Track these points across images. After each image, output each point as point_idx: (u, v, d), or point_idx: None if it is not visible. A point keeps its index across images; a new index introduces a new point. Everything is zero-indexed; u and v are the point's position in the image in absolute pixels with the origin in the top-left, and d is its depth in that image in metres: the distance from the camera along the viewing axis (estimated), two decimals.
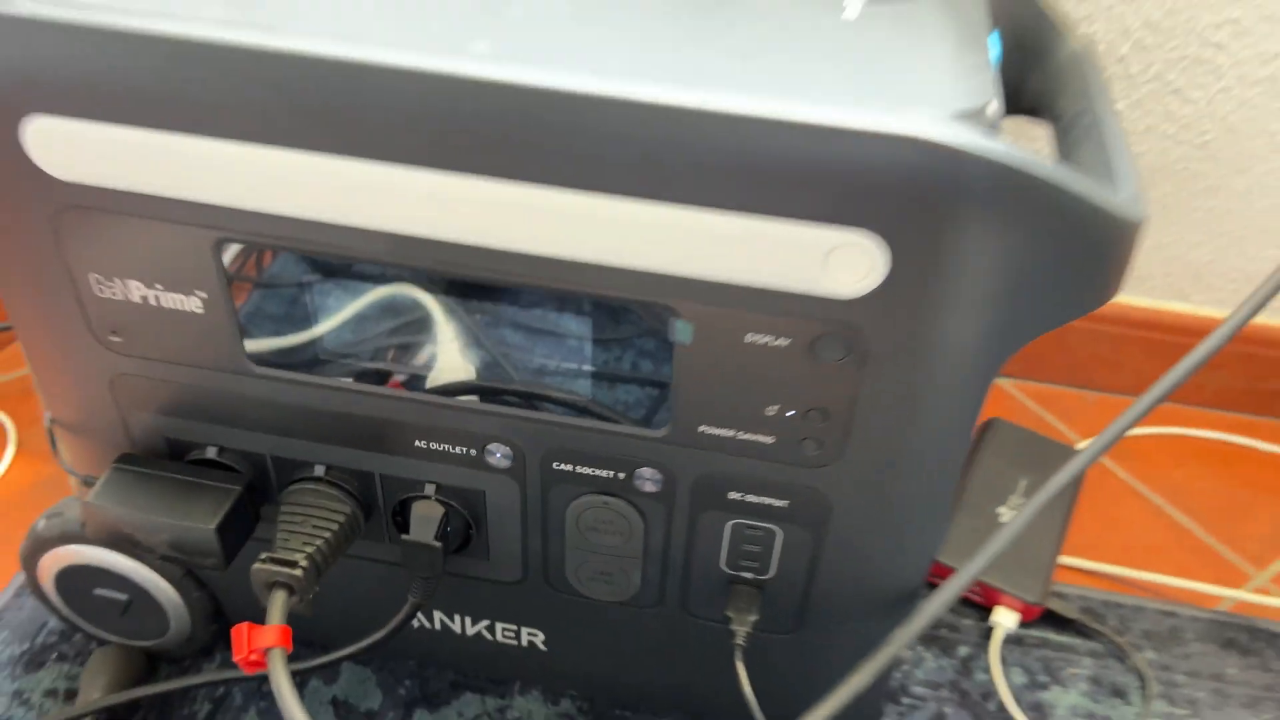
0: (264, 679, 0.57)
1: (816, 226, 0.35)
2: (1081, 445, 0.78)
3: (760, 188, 0.35)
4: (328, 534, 0.46)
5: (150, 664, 0.60)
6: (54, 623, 0.62)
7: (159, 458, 0.49)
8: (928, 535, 0.46)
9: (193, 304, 0.43)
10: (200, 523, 0.46)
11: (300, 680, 0.59)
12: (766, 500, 0.44)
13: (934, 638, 0.64)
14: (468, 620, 0.55)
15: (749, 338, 0.39)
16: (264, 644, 0.43)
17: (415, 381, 0.45)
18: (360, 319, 0.44)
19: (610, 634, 0.53)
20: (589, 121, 0.34)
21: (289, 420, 0.46)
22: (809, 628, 0.49)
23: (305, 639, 0.58)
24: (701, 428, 0.42)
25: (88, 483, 0.51)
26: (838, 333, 0.38)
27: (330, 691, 0.59)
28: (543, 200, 0.36)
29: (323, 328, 0.44)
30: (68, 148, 0.39)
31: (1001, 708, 0.61)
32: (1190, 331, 0.76)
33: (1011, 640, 0.64)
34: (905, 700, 0.61)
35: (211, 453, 0.48)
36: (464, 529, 0.48)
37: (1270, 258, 0.73)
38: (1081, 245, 0.36)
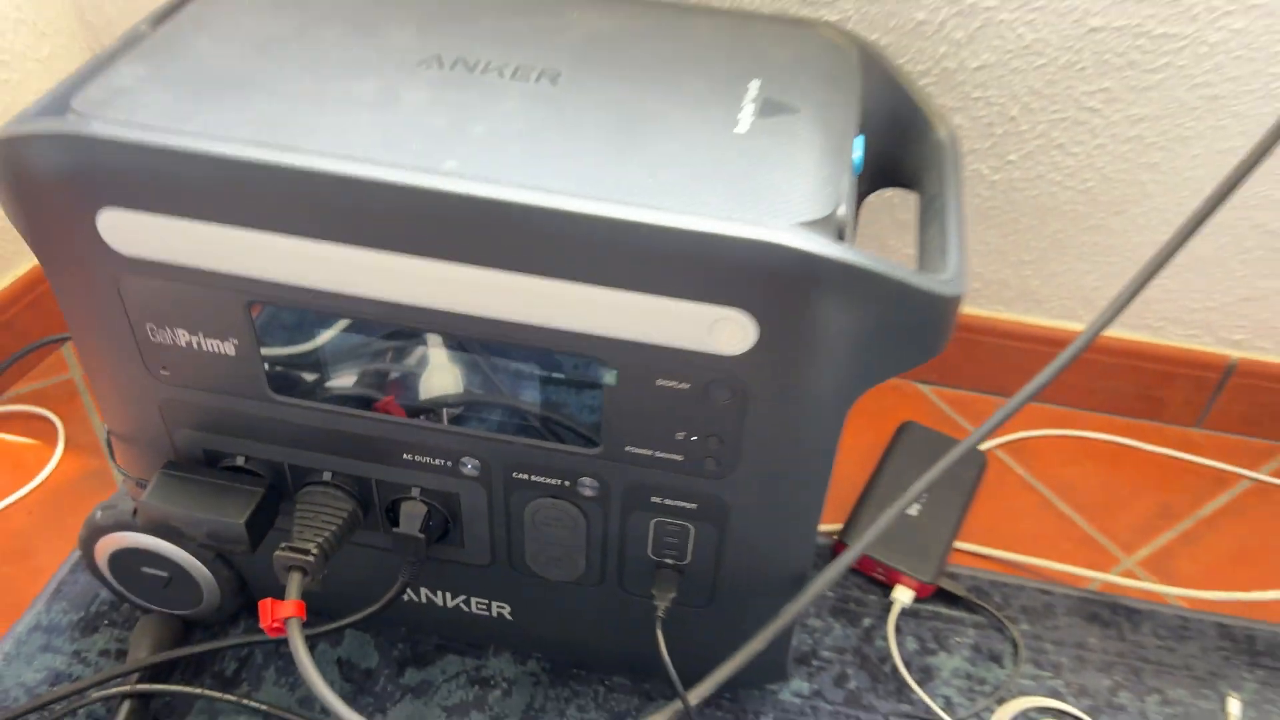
0: (282, 642, 0.69)
1: (703, 305, 0.47)
2: (985, 446, 0.89)
3: (660, 275, 0.46)
4: (334, 527, 0.58)
5: (186, 629, 0.71)
6: (105, 595, 0.74)
7: (197, 464, 0.60)
8: (806, 529, 0.57)
9: (227, 348, 0.54)
10: (232, 518, 0.57)
11: (311, 643, 0.71)
12: (680, 503, 0.56)
13: (843, 610, 0.76)
14: (448, 595, 0.67)
15: (659, 382, 0.50)
16: (284, 615, 0.54)
17: (406, 404, 0.56)
18: (359, 359, 0.55)
19: (564, 607, 0.65)
20: (532, 225, 0.46)
21: (302, 436, 0.58)
22: (719, 602, 0.61)
23: (315, 609, 0.70)
24: (627, 447, 0.54)
25: (140, 484, 0.63)
26: (724, 380, 0.49)
27: (336, 653, 0.71)
28: (498, 280, 0.48)
29: (330, 365, 0.56)
30: (131, 232, 0.50)
31: (895, 670, 0.73)
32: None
33: (908, 614, 0.76)
34: (815, 662, 0.73)
35: (240, 461, 0.60)
36: (443, 523, 0.60)
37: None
38: (905, 317, 0.47)
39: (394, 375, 0.56)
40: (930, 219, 0.55)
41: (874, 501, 0.81)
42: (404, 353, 0.55)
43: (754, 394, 0.50)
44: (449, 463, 0.57)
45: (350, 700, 0.69)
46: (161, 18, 0.60)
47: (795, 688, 0.71)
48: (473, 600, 0.67)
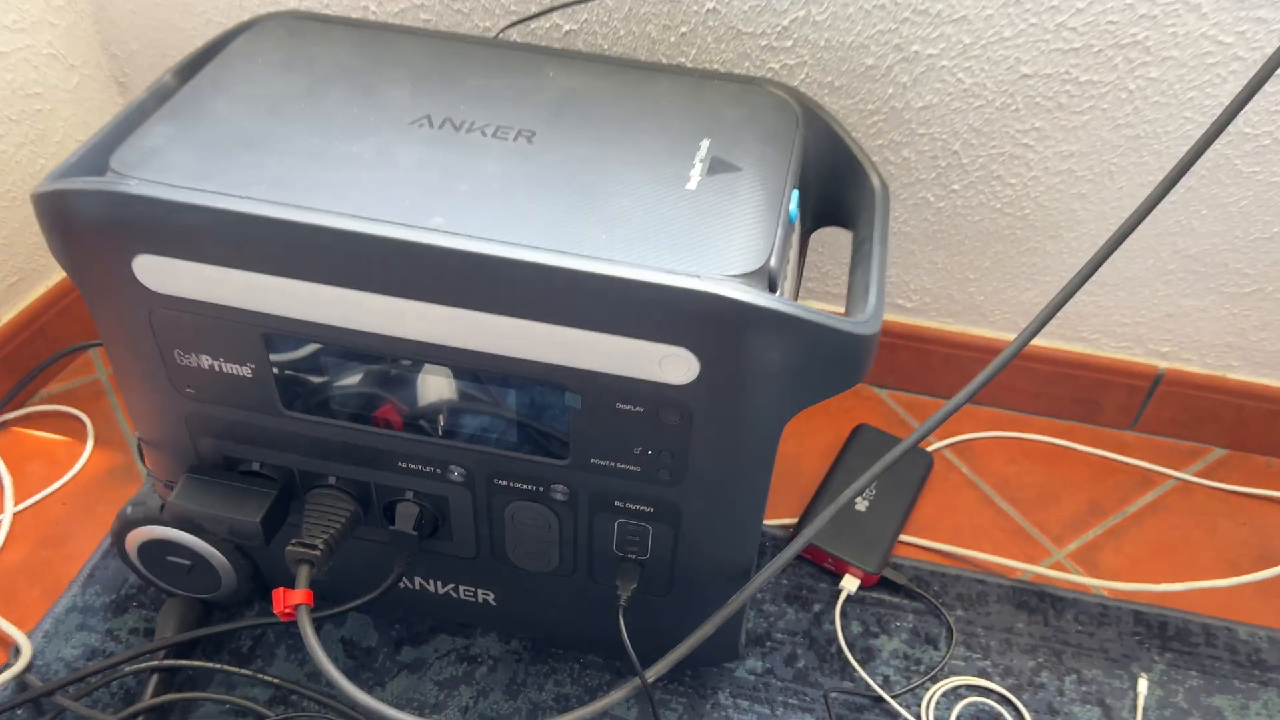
0: (292, 625, 0.78)
1: (652, 344, 0.55)
2: (933, 447, 0.97)
3: (616, 318, 0.54)
4: (338, 525, 0.66)
5: (206, 611, 0.80)
6: (133, 579, 0.82)
7: (218, 468, 0.69)
8: (750, 528, 0.65)
9: (245, 371, 0.62)
10: (249, 516, 0.66)
11: (318, 625, 0.80)
12: (639, 507, 0.64)
13: (796, 597, 0.85)
14: (438, 583, 0.75)
15: (618, 405, 0.59)
16: (294, 602, 0.63)
17: (401, 419, 0.64)
18: (359, 381, 0.63)
19: (541, 594, 0.74)
20: (507, 274, 0.54)
21: (310, 446, 0.66)
22: (676, 592, 0.69)
23: (321, 595, 0.78)
24: (592, 459, 0.62)
25: (167, 485, 0.71)
26: (673, 405, 0.58)
27: (339, 633, 0.80)
28: (477, 320, 0.56)
29: (333, 386, 0.64)
30: (162, 273, 0.58)
31: (840, 651, 0.81)
32: (1019, 355, 0.96)
33: (854, 600, 0.85)
34: (769, 643, 0.81)
35: (255, 466, 0.68)
36: (434, 522, 0.68)
37: (1076, 300, 0.92)
38: (826, 354, 0.55)
39: (389, 395, 0.64)
40: (858, 262, 0.62)
41: (827, 497, 0.89)
42: (398, 376, 0.62)
43: (698, 416, 0.58)
44: (438, 470, 0.65)
45: (352, 675, 0.77)
46: (183, 71, 0.68)
47: (750, 665, 0.80)
48: (461, 588, 0.75)
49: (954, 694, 0.79)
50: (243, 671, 0.76)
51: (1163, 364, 0.96)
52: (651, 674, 0.64)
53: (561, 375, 0.57)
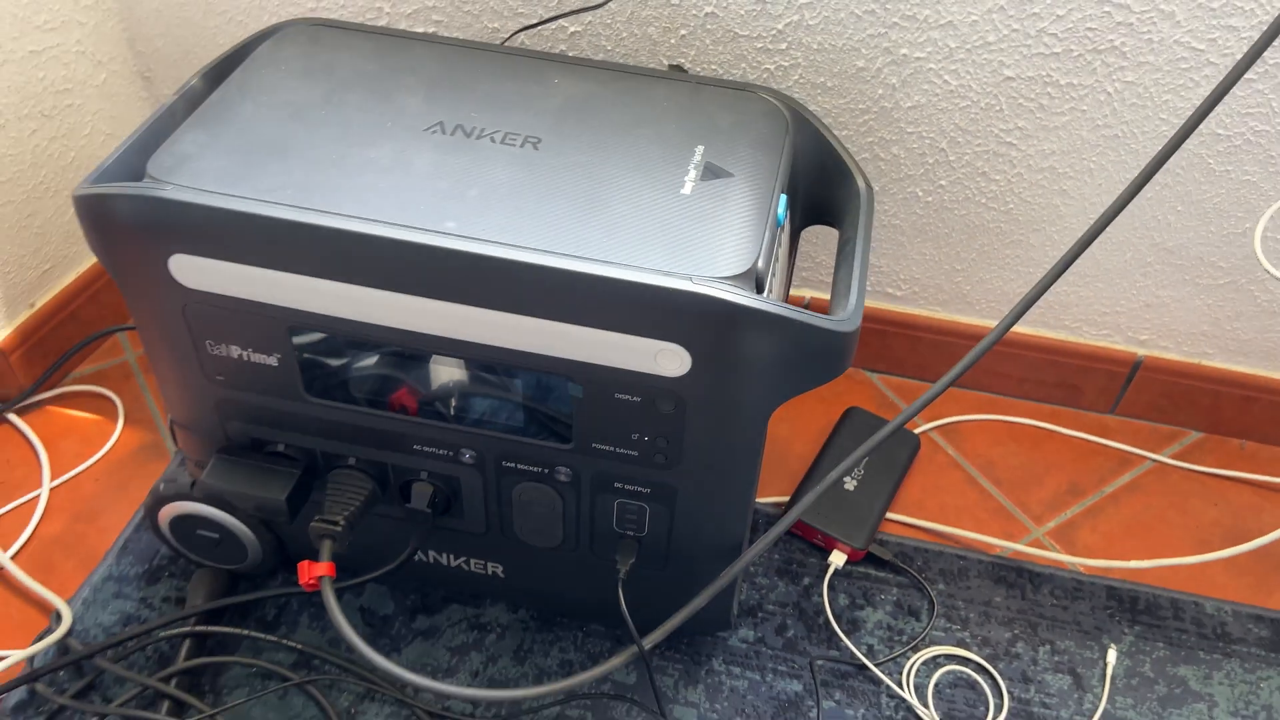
0: (315, 595, 0.83)
1: (648, 340, 0.59)
2: (920, 429, 1.02)
3: (615, 316, 0.59)
4: (358, 502, 0.72)
5: (233, 581, 0.85)
6: (164, 551, 0.88)
7: (245, 449, 0.74)
8: (741, 507, 0.70)
9: (271, 360, 0.67)
10: (275, 494, 0.71)
11: (338, 594, 0.85)
12: (637, 488, 0.69)
13: (786, 570, 0.90)
14: (451, 556, 0.81)
15: (617, 395, 0.63)
16: (318, 573, 0.68)
17: (416, 405, 0.69)
18: (378, 370, 0.68)
19: (546, 567, 0.79)
20: (514, 275, 0.58)
21: (331, 429, 0.71)
22: (672, 566, 0.75)
23: (342, 567, 0.83)
24: (593, 444, 0.67)
25: (198, 464, 0.76)
26: (667, 395, 0.62)
27: (359, 602, 0.85)
28: (486, 316, 0.60)
29: (353, 374, 0.68)
30: (196, 271, 0.63)
31: (827, 621, 0.86)
32: (1004, 342, 1.00)
33: (841, 574, 0.90)
34: (760, 614, 0.87)
35: (280, 448, 0.73)
36: (446, 500, 0.73)
37: (1058, 290, 0.96)
38: (808, 349, 0.60)
39: (405, 383, 0.68)
40: (842, 261, 0.67)
41: (817, 477, 0.94)
42: (414, 367, 0.67)
43: (691, 406, 0.63)
44: (451, 453, 0.70)
45: (370, 641, 0.83)
46: (210, 74, 0.73)
47: (742, 635, 0.85)
48: (471, 561, 0.80)
49: (934, 663, 0.84)
50: (268, 637, 0.81)
51: (1142, 351, 1.00)
52: (649, 642, 0.69)
53: (564, 368, 0.62)
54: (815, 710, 0.80)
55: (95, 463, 0.95)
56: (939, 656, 0.85)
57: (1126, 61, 0.80)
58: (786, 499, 0.94)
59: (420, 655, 0.82)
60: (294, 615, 0.84)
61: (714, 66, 0.87)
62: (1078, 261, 0.93)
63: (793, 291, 1.04)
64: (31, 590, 0.85)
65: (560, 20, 0.87)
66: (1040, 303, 0.98)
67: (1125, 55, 0.80)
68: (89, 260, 1.03)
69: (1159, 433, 1.04)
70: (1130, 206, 0.87)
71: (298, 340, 0.66)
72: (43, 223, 0.97)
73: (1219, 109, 0.81)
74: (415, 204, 0.61)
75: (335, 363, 0.68)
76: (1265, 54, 0.78)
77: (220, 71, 0.73)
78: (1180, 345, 0.99)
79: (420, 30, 0.91)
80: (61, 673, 0.79)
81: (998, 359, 1.03)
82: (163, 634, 0.80)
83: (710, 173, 0.64)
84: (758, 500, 0.95)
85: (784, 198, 0.66)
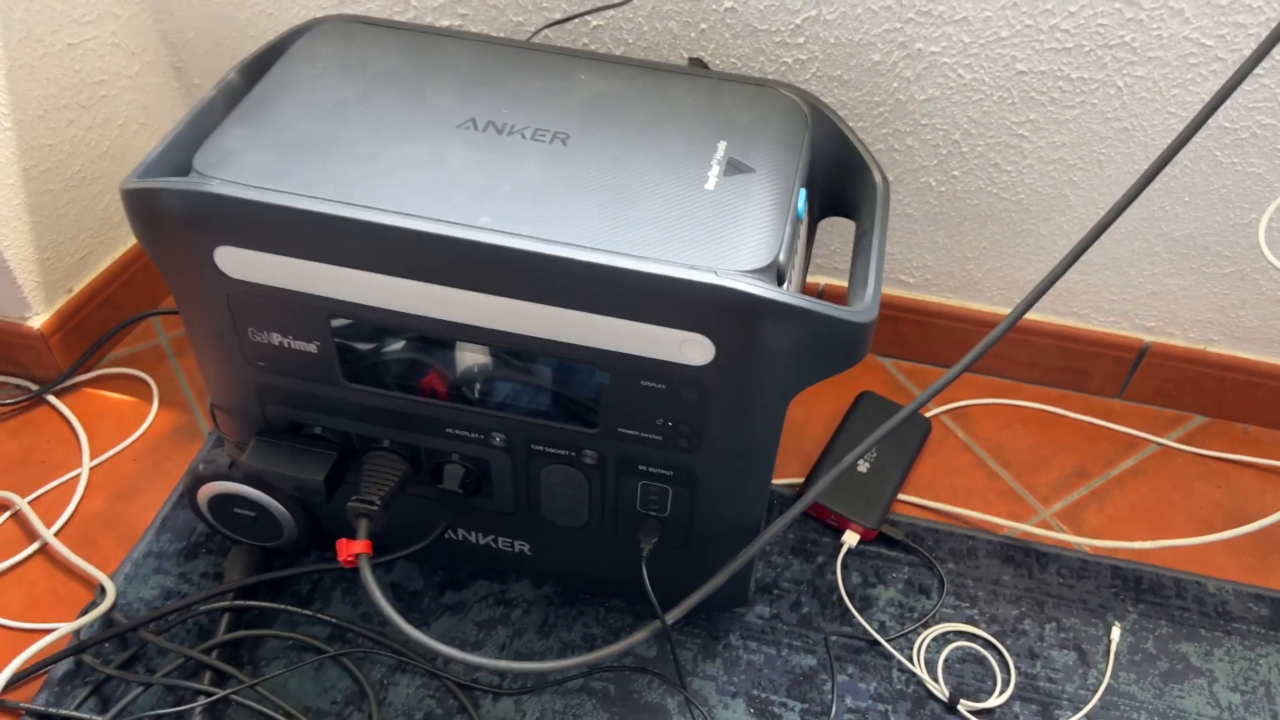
0: (346, 571, 0.87)
1: (674, 330, 0.62)
2: (930, 413, 1.05)
3: (642, 307, 0.61)
4: (392, 483, 0.75)
5: (268, 558, 0.89)
6: (201, 528, 0.91)
7: (284, 432, 0.77)
8: (759, 489, 0.73)
9: (311, 348, 0.70)
10: (313, 475, 0.74)
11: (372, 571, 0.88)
12: (660, 470, 0.72)
13: (801, 549, 0.93)
14: (479, 534, 0.84)
15: (643, 383, 0.66)
16: (355, 551, 0.71)
17: (451, 392, 0.72)
18: (413, 357, 0.71)
19: (571, 546, 0.82)
20: (545, 268, 0.61)
21: (367, 413, 0.74)
22: (692, 545, 0.78)
23: (374, 545, 0.87)
24: (619, 429, 0.70)
25: (237, 445, 0.79)
26: (691, 383, 0.65)
27: (389, 578, 0.89)
28: (519, 307, 0.63)
29: (389, 361, 0.71)
30: (240, 263, 0.66)
31: (840, 599, 0.89)
32: (1014, 328, 1.03)
33: (854, 553, 0.93)
34: (776, 591, 0.90)
35: (318, 430, 0.76)
36: (476, 481, 0.76)
37: (1068, 278, 0.99)
38: (826, 339, 0.62)
39: (439, 370, 0.71)
40: (859, 252, 0.69)
41: (831, 460, 0.97)
42: (447, 354, 0.70)
43: (714, 393, 0.65)
44: (482, 436, 0.73)
45: (401, 615, 0.86)
46: (247, 69, 0.75)
47: (758, 611, 0.88)
48: (499, 539, 0.84)
49: (943, 639, 0.87)
50: (304, 611, 0.85)
51: (1148, 338, 1.02)
52: (671, 617, 0.72)
53: (592, 356, 0.65)
54: (830, 684, 0.84)
55: (132, 442, 0.99)
56: (948, 633, 0.88)
57: (1136, 57, 0.82)
58: (801, 480, 0.97)
59: (449, 629, 0.86)
60: (327, 590, 0.87)
61: (733, 60, 0.90)
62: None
63: (807, 279, 1.07)
64: (75, 565, 0.88)
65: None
66: (1050, 290, 1.00)
67: (1135, 50, 0.82)
68: (123, 246, 1.06)
69: (1164, 417, 1.06)
70: (1139, 197, 0.89)
71: (336, 328, 0.69)
72: (80, 210, 1.00)
73: (1227, 103, 0.83)
74: (451, 199, 0.63)
75: (371, 350, 0.71)
76: (1273, 50, 0.80)
77: (256, 67, 0.76)
78: (1186, 332, 1.01)
79: (446, 23, 0.93)
80: (107, 644, 0.83)
81: (1008, 345, 1.05)
82: (203, 608, 0.84)
83: (733, 168, 0.67)
84: (773, 481, 0.98)
85: (803, 192, 0.69)
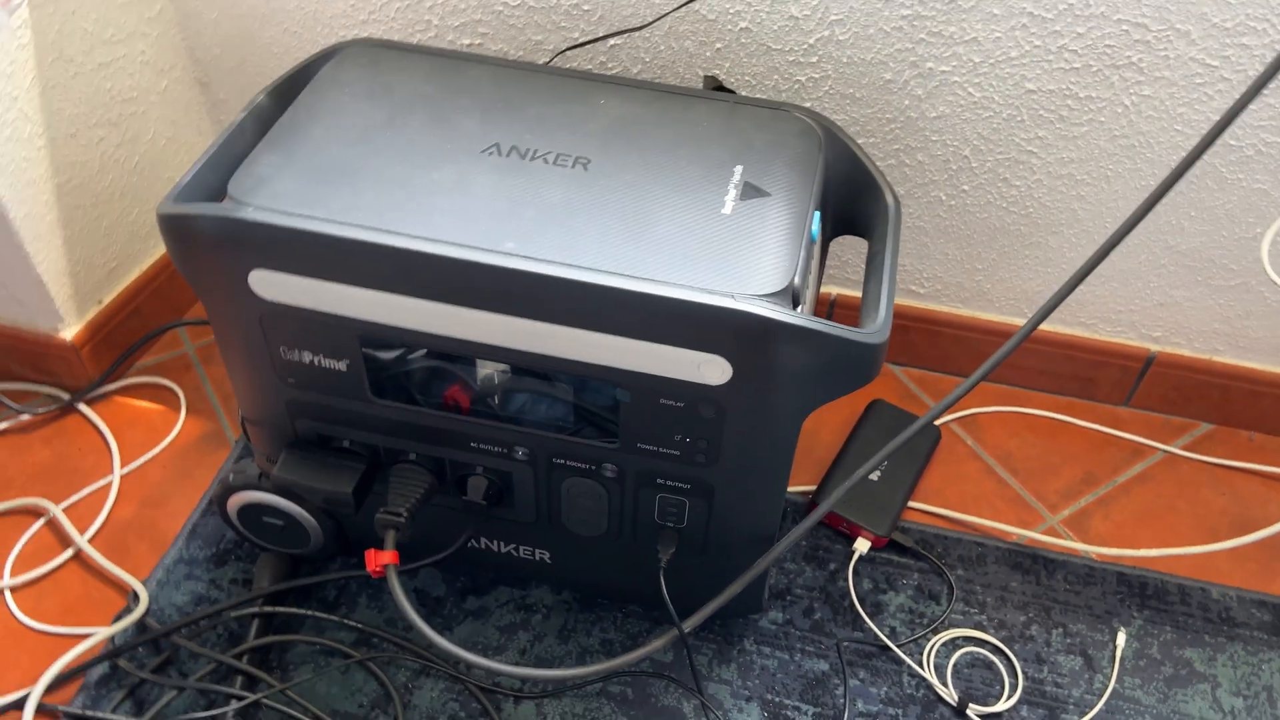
0: (372, 578, 0.89)
1: (692, 351, 0.64)
2: (941, 421, 1.07)
3: (662, 329, 0.64)
4: (418, 494, 0.77)
5: (296, 565, 0.91)
6: (231, 535, 0.94)
7: (313, 445, 0.79)
8: (773, 502, 0.76)
9: (340, 365, 0.72)
10: (342, 487, 0.76)
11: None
12: (678, 484, 0.74)
13: (813, 556, 0.95)
14: (501, 543, 0.86)
15: (662, 401, 0.68)
16: (384, 561, 0.74)
17: (476, 408, 0.74)
18: (439, 375, 0.73)
19: (591, 555, 0.84)
20: (568, 292, 0.63)
21: (394, 428, 0.76)
22: (709, 555, 0.80)
23: (401, 552, 0.89)
24: (638, 444, 0.72)
25: (267, 458, 0.82)
26: (709, 401, 0.67)
27: (412, 584, 0.91)
28: (543, 329, 0.65)
29: (416, 378, 0.74)
30: (273, 285, 0.68)
31: (852, 605, 0.91)
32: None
33: (865, 560, 0.95)
34: (789, 597, 0.92)
35: (346, 444, 0.78)
36: (499, 493, 0.79)
37: (1077, 290, 1.01)
38: (840, 360, 0.65)
39: (464, 387, 0.74)
40: (871, 273, 0.71)
41: (843, 468, 0.99)
42: (472, 372, 0.72)
43: (731, 411, 0.68)
44: (505, 450, 0.76)
45: (423, 621, 0.88)
46: (276, 92, 0.77)
47: (772, 617, 0.91)
48: (521, 548, 0.86)
49: (953, 644, 0.89)
50: (330, 617, 0.87)
51: (1155, 347, 1.04)
52: (688, 625, 0.74)
53: (613, 375, 0.67)
54: (842, 688, 0.86)
55: (162, 450, 1.01)
56: (958, 638, 0.90)
57: (1143, 76, 0.84)
58: (813, 487, 0.99)
59: (471, 634, 0.88)
60: (353, 596, 0.90)
61: (748, 78, 0.92)
62: None
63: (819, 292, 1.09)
64: (109, 571, 0.91)
65: (601, 31, 0.92)
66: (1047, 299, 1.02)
67: (1142, 70, 0.84)
68: (150, 258, 1.09)
69: (1170, 425, 1.08)
70: (1149, 212, 0.91)
71: (366, 348, 0.71)
72: (109, 224, 1.02)
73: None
74: (477, 224, 0.66)
75: (399, 368, 0.73)
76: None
77: (285, 90, 0.78)
78: (1192, 342, 1.03)
79: (467, 41, 0.95)
80: (140, 649, 0.86)
81: (1017, 354, 1.07)
82: (233, 614, 0.87)
83: (749, 192, 0.69)
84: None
85: (817, 214, 0.71)
